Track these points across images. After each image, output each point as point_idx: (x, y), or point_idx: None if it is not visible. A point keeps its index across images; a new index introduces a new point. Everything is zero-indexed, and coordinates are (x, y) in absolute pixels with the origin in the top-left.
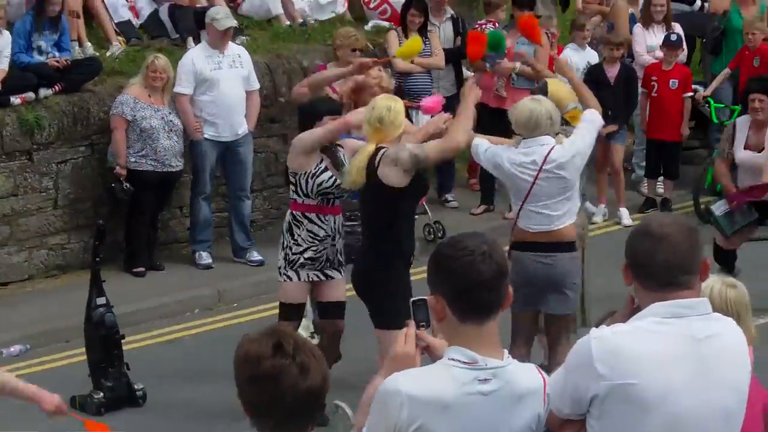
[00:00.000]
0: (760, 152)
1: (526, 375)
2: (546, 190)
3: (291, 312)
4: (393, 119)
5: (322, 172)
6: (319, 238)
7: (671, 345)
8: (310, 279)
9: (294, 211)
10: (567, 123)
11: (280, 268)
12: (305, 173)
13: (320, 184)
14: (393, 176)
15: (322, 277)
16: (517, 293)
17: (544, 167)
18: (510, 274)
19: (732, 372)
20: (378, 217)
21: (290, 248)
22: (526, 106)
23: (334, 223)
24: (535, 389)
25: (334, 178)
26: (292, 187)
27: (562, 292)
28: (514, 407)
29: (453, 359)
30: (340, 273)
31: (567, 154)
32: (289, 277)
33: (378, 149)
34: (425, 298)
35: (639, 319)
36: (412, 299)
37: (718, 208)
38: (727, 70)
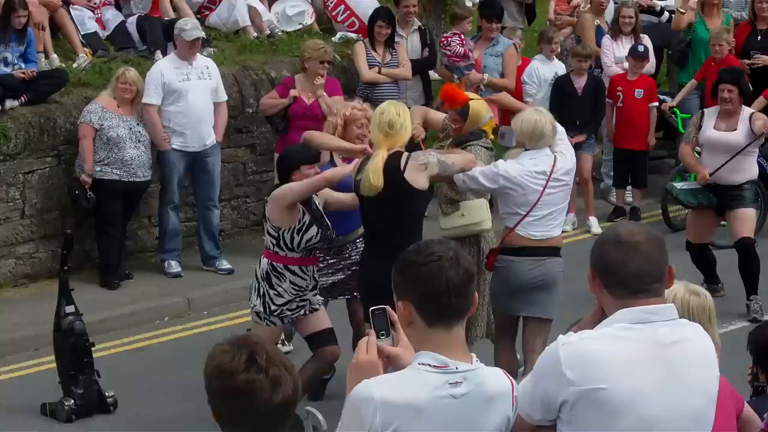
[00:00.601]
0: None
1: (494, 378)
2: (553, 198)
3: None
4: (403, 122)
5: (308, 228)
6: (302, 289)
7: (639, 350)
8: (294, 318)
9: (275, 263)
10: (485, 133)
11: (259, 313)
12: (290, 228)
13: (309, 239)
14: (420, 180)
15: (308, 312)
16: (507, 297)
17: (552, 176)
18: (496, 279)
19: (700, 376)
20: (398, 220)
21: (271, 300)
22: (531, 117)
23: (314, 272)
24: (503, 392)
25: (320, 231)
26: (272, 240)
27: (551, 295)
28: (485, 409)
29: (423, 363)
30: (321, 305)
31: (569, 162)
32: (272, 323)
33: (395, 154)
34: (385, 306)
35: (606, 326)
36: (371, 308)
37: (680, 183)
38: (693, 82)
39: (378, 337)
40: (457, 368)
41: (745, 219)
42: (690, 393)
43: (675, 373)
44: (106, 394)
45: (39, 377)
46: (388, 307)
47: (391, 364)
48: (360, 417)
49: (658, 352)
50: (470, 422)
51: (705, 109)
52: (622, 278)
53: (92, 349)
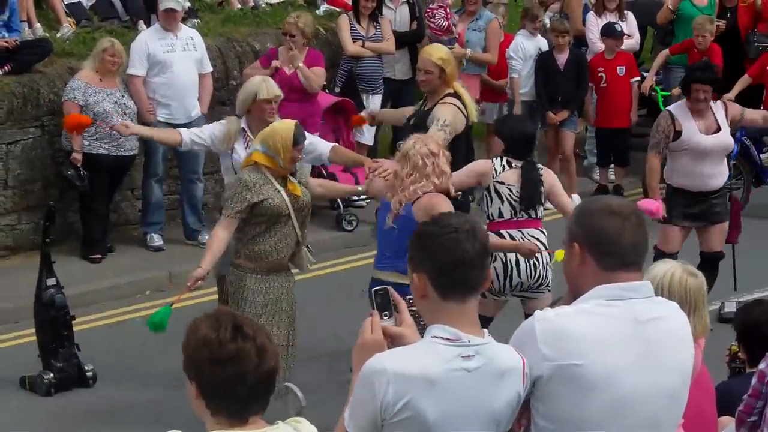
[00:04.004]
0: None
1: (506, 353)
2: None
3: None
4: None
5: None
6: None
7: (615, 327)
8: None
9: None
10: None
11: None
12: None
13: None
14: None
15: None
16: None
17: None
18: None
19: (675, 354)
20: None
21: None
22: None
23: None
24: (515, 367)
25: None
26: None
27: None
28: (497, 384)
29: (436, 336)
30: None
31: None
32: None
33: None
34: (387, 287)
35: (583, 302)
36: (374, 288)
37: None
38: (666, 52)
39: (381, 317)
40: (469, 341)
41: (723, 232)
42: (665, 371)
43: (650, 351)
44: (86, 367)
45: (19, 350)
46: (390, 288)
47: (394, 344)
48: (373, 390)
49: (634, 329)
50: (482, 396)
51: (670, 109)
52: (617, 248)
53: (73, 322)
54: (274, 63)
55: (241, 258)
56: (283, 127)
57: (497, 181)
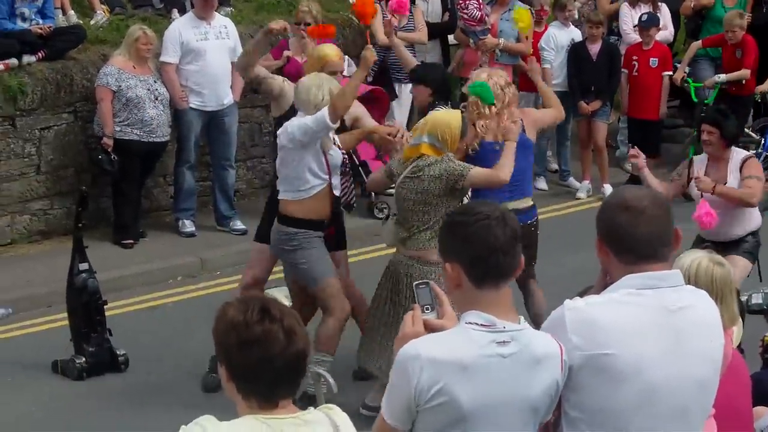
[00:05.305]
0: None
1: (542, 340)
2: None
3: None
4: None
5: None
6: None
7: (645, 316)
8: None
9: None
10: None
11: None
12: None
13: None
14: None
15: None
16: None
17: None
18: None
19: (705, 343)
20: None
21: None
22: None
23: None
24: (552, 354)
25: None
26: None
27: None
28: (532, 370)
29: (470, 323)
30: None
31: None
32: None
33: None
34: (428, 281)
35: (612, 291)
36: (415, 282)
37: None
38: (698, 43)
39: (423, 311)
40: (504, 328)
41: (738, 267)
42: (695, 360)
43: (680, 339)
44: (118, 352)
45: (51, 334)
46: (431, 282)
47: None
48: (407, 375)
49: (664, 318)
50: (519, 382)
51: (694, 157)
52: (631, 243)
53: (105, 307)
54: (286, 53)
55: (430, 250)
56: (453, 118)
57: None
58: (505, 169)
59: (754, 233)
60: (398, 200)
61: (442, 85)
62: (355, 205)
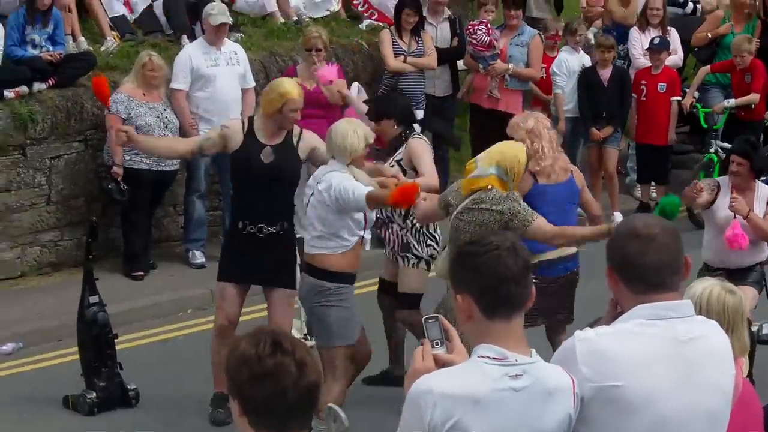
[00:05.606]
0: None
1: (555, 373)
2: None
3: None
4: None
5: None
6: None
7: (655, 347)
8: None
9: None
10: None
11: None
12: None
13: None
14: None
15: None
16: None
17: None
18: None
19: (716, 374)
20: None
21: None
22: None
23: None
24: (564, 388)
25: None
26: None
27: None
28: (545, 403)
29: (482, 356)
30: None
31: None
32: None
33: None
34: (437, 315)
35: (623, 322)
36: (424, 317)
37: None
38: (707, 69)
39: (432, 346)
40: (516, 361)
41: (747, 297)
42: (706, 391)
43: (691, 370)
44: (129, 387)
45: (62, 369)
46: (440, 316)
47: None
48: (420, 411)
49: (675, 349)
50: (531, 416)
51: (720, 180)
52: (640, 272)
53: (115, 340)
54: (295, 80)
55: None
56: (521, 152)
57: None
58: (565, 240)
59: (761, 263)
60: (454, 231)
61: (404, 112)
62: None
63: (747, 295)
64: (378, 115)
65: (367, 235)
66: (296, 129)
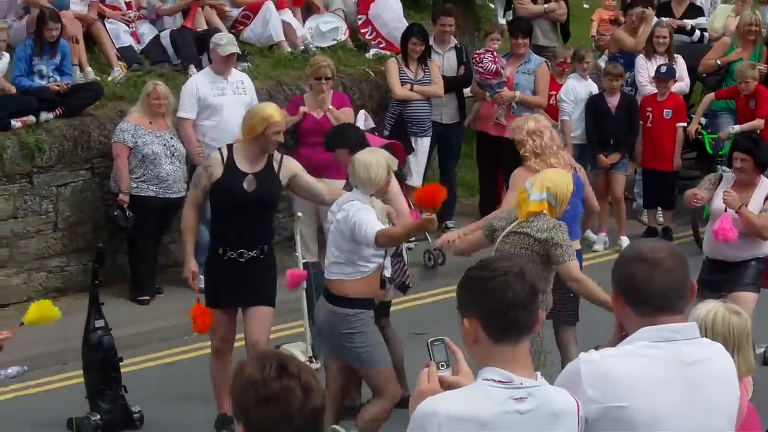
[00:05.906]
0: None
1: (560, 396)
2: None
3: None
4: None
5: None
6: None
7: (660, 368)
8: None
9: None
10: None
11: None
12: None
13: None
14: None
15: None
16: None
17: None
18: None
19: (721, 396)
20: None
21: None
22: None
23: None
24: (569, 410)
25: None
26: None
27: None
28: (550, 427)
29: (488, 379)
30: None
31: None
32: None
33: None
34: (443, 337)
35: (628, 343)
36: (430, 339)
37: None
38: (712, 96)
39: (438, 368)
40: (521, 384)
41: (745, 304)
42: (711, 413)
43: (696, 392)
44: (133, 409)
45: (67, 391)
46: (446, 338)
47: None
48: None
49: (680, 371)
50: None
51: (725, 173)
52: (646, 295)
53: (120, 364)
54: (302, 109)
55: None
56: (570, 180)
57: None
58: (581, 292)
59: (758, 259)
60: (498, 255)
61: (358, 141)
62: (410, 285)
63: (746, 301)
64: (330, 145)
65: (387, 262)
66: (277, 155)
